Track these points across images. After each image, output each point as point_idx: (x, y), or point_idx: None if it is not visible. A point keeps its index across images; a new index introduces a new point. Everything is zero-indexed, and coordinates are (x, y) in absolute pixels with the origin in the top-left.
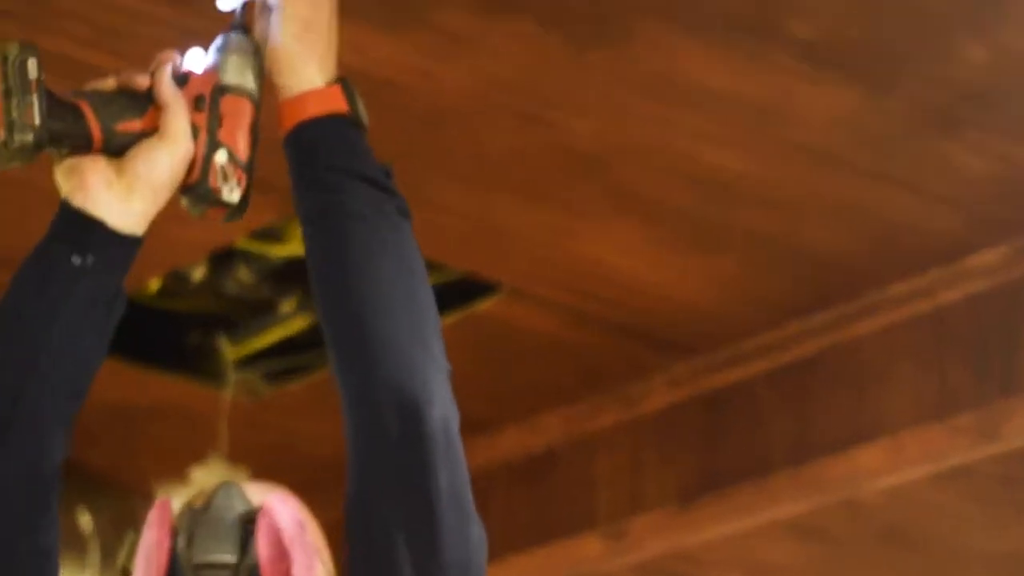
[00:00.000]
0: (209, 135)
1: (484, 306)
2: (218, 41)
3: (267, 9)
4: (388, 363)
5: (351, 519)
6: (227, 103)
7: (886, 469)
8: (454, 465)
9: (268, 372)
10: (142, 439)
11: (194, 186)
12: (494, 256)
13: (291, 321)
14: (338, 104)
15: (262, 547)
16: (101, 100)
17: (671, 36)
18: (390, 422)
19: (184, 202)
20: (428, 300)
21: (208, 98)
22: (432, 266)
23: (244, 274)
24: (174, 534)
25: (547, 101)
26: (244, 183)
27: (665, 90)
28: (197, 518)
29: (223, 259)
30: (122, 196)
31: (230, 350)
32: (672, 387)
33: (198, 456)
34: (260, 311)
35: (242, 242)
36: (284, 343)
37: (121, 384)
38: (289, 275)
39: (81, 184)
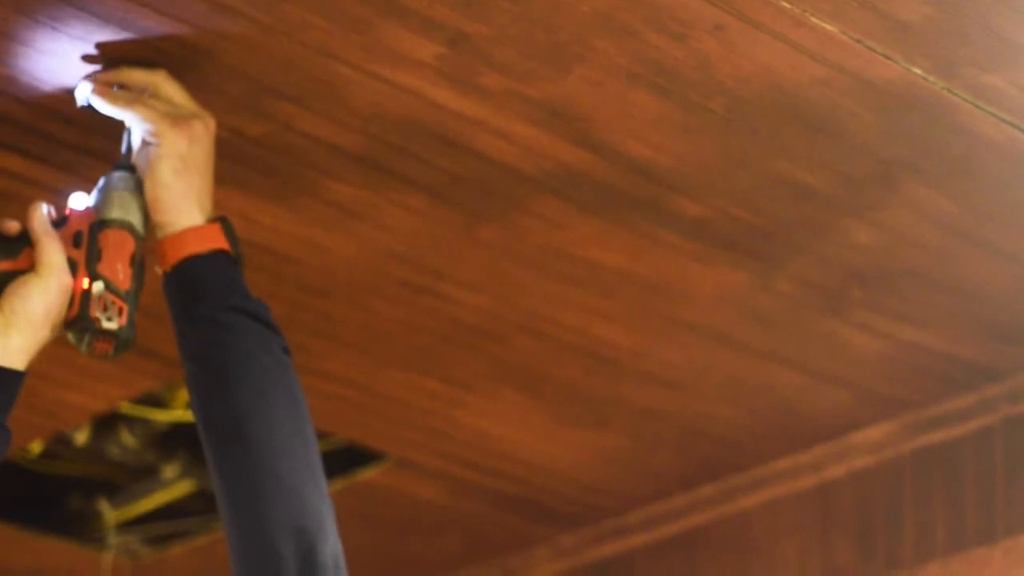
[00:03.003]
0: (88, 268)
1: (370, 474)
2: (100, 182)
3: (147, 146)
4: (285, 499)
5: None
6: (106, 237)
7: None
8: None
9: (149, 537)
10: None
11: (75, 319)
12: (380, 425)
13: (173, 486)
14: (219, 241)
15: None
16: None
17: (561, 213)
18: (286, 558)
19: (70, 337)
20: (313, 436)
21: (86, 233)
22: (319, 434)
23: (127, 439)
24: None
25: (436, 273)
26: (126, 313)
27: (555, 266)
28: None
29: (106, 423)
30: (0, 332)
31: (111, 514)
32: (556, 558)
33: None
34: (143, 476)
35: (125, 407)
36: (166, 508)
37: (1, 546)
38: (172, 440)
39: None
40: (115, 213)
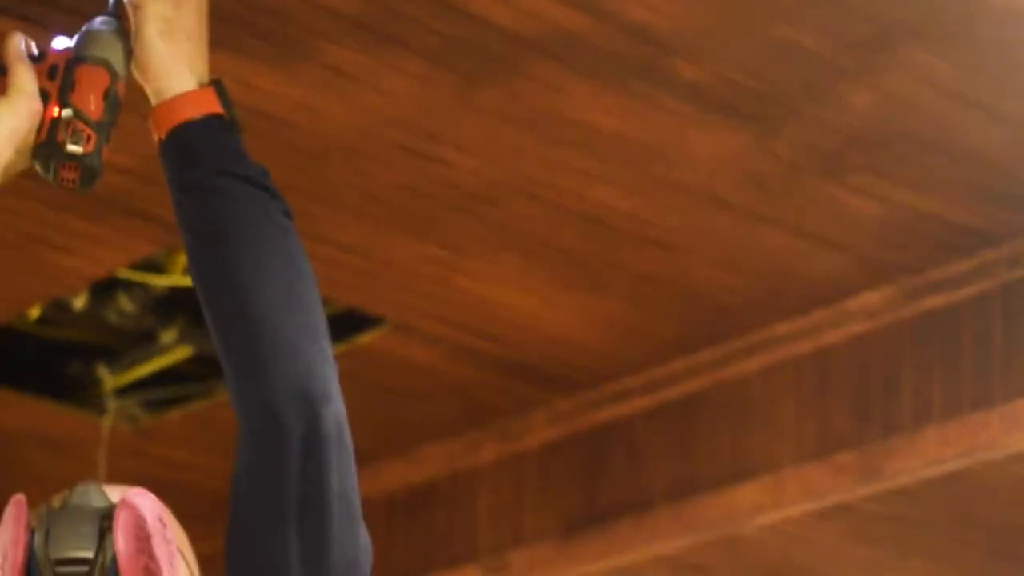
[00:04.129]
0: (60, 97)
1: (368, 339)
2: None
3: (134, 13)
4: (286, 362)
5: (238, 518)
6: (81, 71)
7: (767, 507)
8: (345, 466)
9: (148, 401)
10: (21, 466)
11: (41, 144)
12: (378, 290)
13: (172, 351)
14: (212, 106)
15: (120, 541)
16: None
17: (559, 76)
18: (289, 419)
19: (37, 166)
20: (317, 299)
21: (62, 67)
22: None
23: (125, 304)
24: (30, 531)
25: (434, 137)
26: (94, 141)
27: (552, 129)
28: (54, 515)
29: (104, 288)
30: None
31: (110, 379)
32: (554, 423)
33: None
34: (141, 341)
35: (123, 272)
36: (164, 373)
37: (0, 411)
38: (170, 305)
39: None
40: (93, 51)
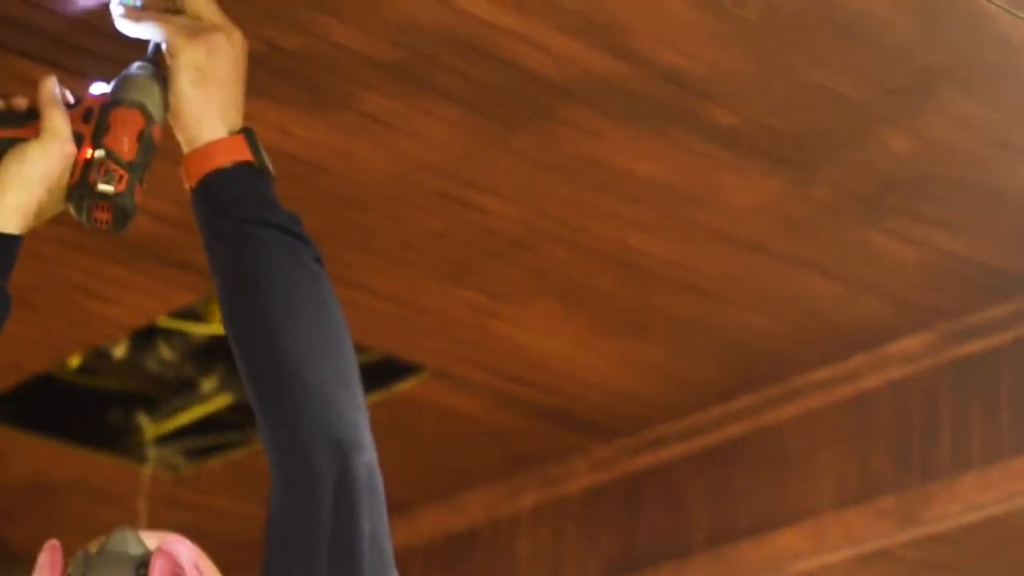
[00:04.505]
0: (93, 140)
1: (406, 387)
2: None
3: (169, 61)
4: (318, 409)
5: (271, 564)
6: (116, 114)
7: (807, 552)
8: (376, 511)
9: (188, 450)
10: (61, 515)
11: (74, 186)
12: (417, 337)
13: (212, 399)
14: (242, 153)
15: None
16: None
17: (595, 122)
18: (321, 466)
19: (71, 209)
20: (348, 345)
21: (97, 110)
22: (355, 347)
23: (165, 352)
24: None
25: (470, 184)
26: (127, 182)
27: (589, 175)
28: (91, 561)
29: (144, 337)
30: None
31: (150, 427)
32: (593, 469)
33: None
34: (181, 389)
35: (163, 320)
36: (205, 421)
37: (41, 460)
38: (210, 353)
39: None
40: (128, 94)
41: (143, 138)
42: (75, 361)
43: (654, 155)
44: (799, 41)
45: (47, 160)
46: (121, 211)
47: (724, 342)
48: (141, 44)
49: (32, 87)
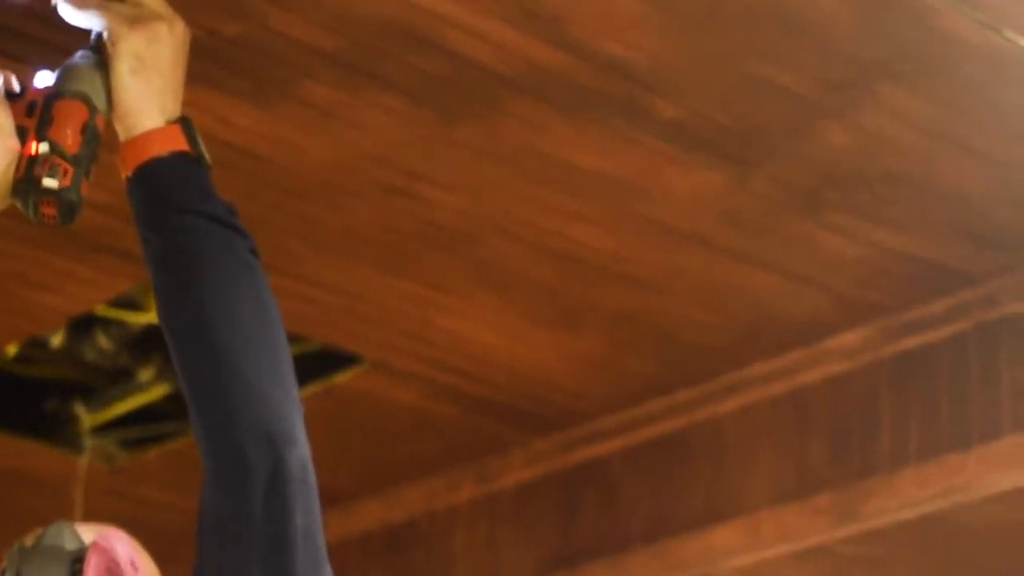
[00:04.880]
0: (37, 133)
1: (345, 378)
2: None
3: (109, 48)
4: (251, 403)
5: (203, 558)
6: (59, 106)
7: (743, 548)
8: (310, 506)
9: (125, 439)
10: None
11: (19, 181)
12: (356, 328)
13: (149, 389)
14: (179, 143)
15: None
16: None
17: (537, 113)
18: (254, 461)
19: (18, 203)
20: (283, 338)
21: (41, 103)
22: (293, 337)
23: (103, 341)
24: (1, 572)
25: (412, 175)
26: (71, 175)
27: (531, 167)
28: (26, 555)
29: (82, 326)
30: None
31: (87, 417)
32: (531, 463)
33: (52, 521)
34: (118, 379)
35: (101, 309)
36: (142, 411)
37: None
38: (148, 343)
39: None
40: (71, 85)
41: (87, 130)
42: (12, 350)
43: (597, 147)
44: (742, 34)
45: None
46: (68, 206)
47: (663, 336)
48: (85, 31)
49: None
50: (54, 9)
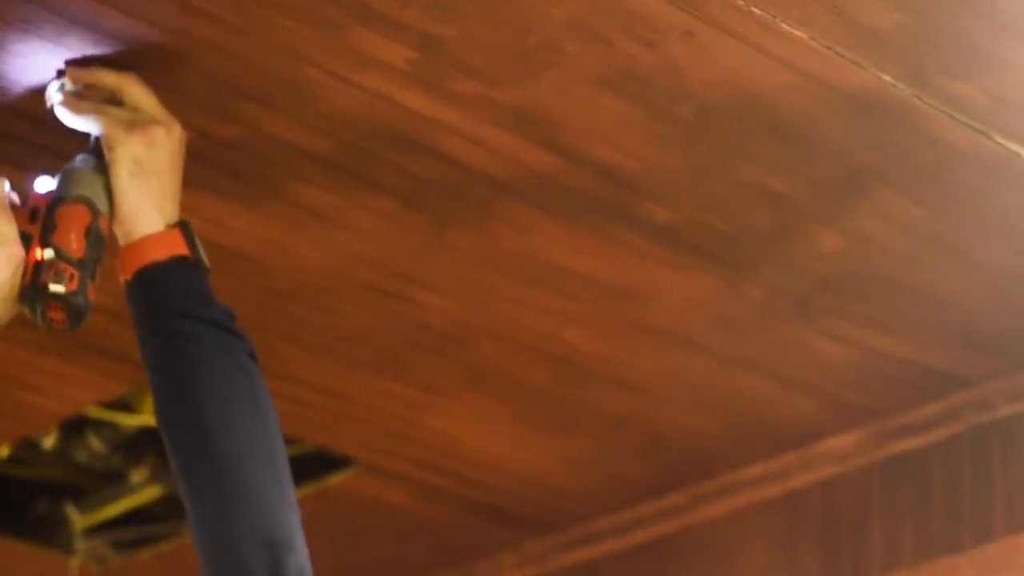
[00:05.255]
0: (41, 239)
1: (337, 480)
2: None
3: (107, 153)
4: (250, 508)
5: None
6: (62, 211)
7: None
8: None
9: (117, 542)
10: None
11: (26, 288)
12: (348, 430)
13: (142, 491)
14: (178, 247)
15: None
16: None
17: (529, 217)
18: (252, 565)
19: (26, 311)
20: (280, 442)
21: (43, 210)
22: (286, 439)
23: (95, 443)
24: None
25: (404, 277)
26: (77, 279)
27: (523, 270)
28: None
29: (74, 427)
30: None
31: (79, 519)
32: (523, 565)
33: None
34: (110, 480)
35: (93, 411)
36: (134, 513)
37: None
38: (140, 445)
39: None
40: (73, 190)
41: (91, 233)
42: (4, 451)
43: (589, 251)
44: (733, 140)
45: None
46: (75, 309)
47: (656, 438)
48: (82, 134)
49: None
50: (50, 112)
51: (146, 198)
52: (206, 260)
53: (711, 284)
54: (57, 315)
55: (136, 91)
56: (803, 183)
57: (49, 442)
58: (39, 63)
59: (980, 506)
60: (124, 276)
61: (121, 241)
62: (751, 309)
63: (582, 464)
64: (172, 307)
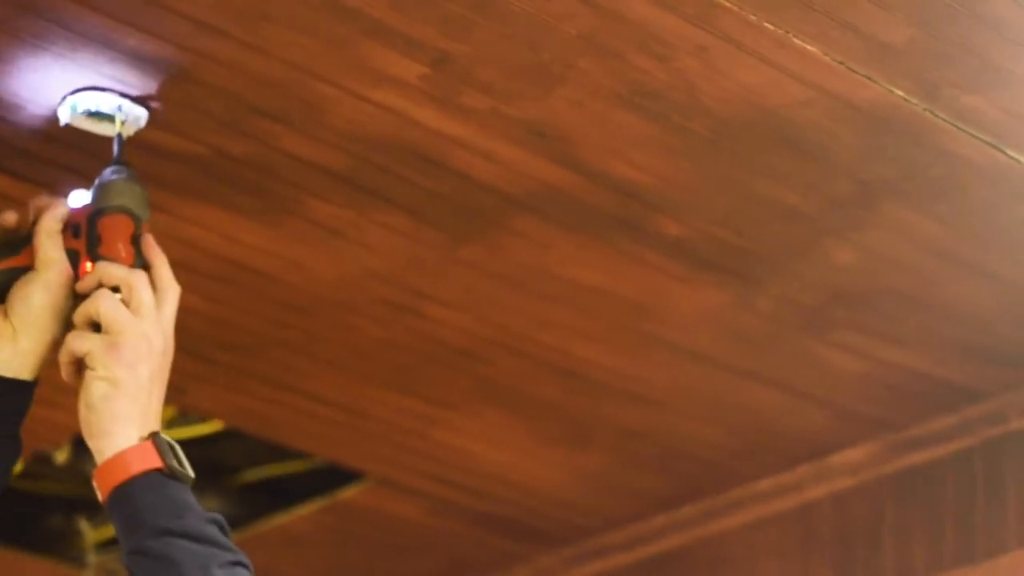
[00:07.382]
0: (89, 254)
1: (349, 494)
2: (96, 180)
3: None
4: None
5: None
6: (104, 223)
7: None
8: None
9: None
10: None
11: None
12: (361, 444)
13: None
14: (151, 461)
15: None
16: None
17: (543, 232)
18: None
19: None
20: None
21: (85, 224)
22: (298, 454)
23: None
24: None
25: (418, 293)
26: None
27: (536, 285)
28: None
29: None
30: (10, 338)
31: (91, 532)
32: None
33: None
34: None
35: None
36: None
37: None
38: None
39: None
40: (111, 200)
41: (136, 240)
42: (17, 466)
43: (602, 265)
44: (746, 154)
45: (51, 293)
46: None
47: (669, 452)
48: (91, 148)
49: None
50: (65, 128)
51: (115, 418)
52: (186, 467)
53: (724, 298)
54: None
55: (141, 293)
56: (816, 197)
57: (62, 456)
58: (52, 79)
59: (993, 519)
60: (101, 495)
61: (96, 459)
62: (764, 322)
63: (595, 478)
64: (148, 525)
